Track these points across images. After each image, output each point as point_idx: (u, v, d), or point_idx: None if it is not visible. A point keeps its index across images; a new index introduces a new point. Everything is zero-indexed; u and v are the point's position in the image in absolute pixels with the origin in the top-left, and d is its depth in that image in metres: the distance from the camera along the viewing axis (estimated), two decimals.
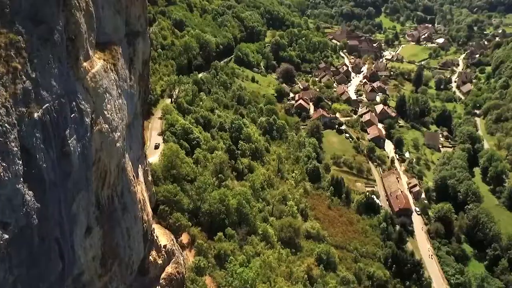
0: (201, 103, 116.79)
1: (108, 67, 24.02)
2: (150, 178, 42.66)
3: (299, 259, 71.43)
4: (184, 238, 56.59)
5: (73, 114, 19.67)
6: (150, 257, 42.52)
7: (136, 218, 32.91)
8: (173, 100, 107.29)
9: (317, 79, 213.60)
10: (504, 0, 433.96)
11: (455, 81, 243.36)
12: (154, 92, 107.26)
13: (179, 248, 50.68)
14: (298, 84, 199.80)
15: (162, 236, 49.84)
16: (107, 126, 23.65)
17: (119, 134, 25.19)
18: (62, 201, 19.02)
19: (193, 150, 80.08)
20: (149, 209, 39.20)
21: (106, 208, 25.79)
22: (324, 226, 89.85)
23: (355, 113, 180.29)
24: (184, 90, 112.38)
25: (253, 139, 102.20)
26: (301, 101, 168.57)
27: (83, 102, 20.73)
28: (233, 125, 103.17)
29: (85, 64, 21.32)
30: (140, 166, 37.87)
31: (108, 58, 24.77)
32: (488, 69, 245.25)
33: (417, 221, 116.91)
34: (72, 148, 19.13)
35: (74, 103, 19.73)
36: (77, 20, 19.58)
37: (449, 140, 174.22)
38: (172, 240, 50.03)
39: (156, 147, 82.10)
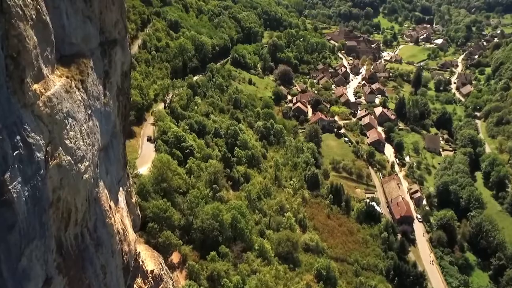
0: (196, 107, 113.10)
1: (73, 85, 19.78)
2: (134, 199, 38.52)
3: (298, 275, 67.85)
4: (175, 257, 52.87)
5: (17, 151, 15.50)
6: (135, 286, 38.73)
7: (114, 252, 28.61)
8: (166, 105, 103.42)
9: (315, 80, 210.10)
10: (502, 0, 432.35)
11: (454, 83, 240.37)
12: (147, 97, 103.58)
13: (168, 272, 46.70)
14: (296, 86, 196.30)
15: (150, 260, 45.90)
16: (69, 158, 19.43)
17: (87, 163, 20.97)
18: (2, 261, 14.93)
19: (186, 159, 76.26)
20: (132, 237, 35.06)
21: (73, 249, 21.56)
22: (323, 237, 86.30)
23: (354, 115, 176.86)
24: (178, 94, 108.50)
25: (250, 146, 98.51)
26: (299, 104, 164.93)
27: (32, 134, 16.49)
28: (228, 131, 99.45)
29: (35, 86, 17.14)
30: (121, 189, 33.71)
31: (74, 74, 20.55)
32: (488, 70, 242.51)
33: (419, 229, 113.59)
34: (15, 195, 15.00)
35: (18, 137, 15.53)
36: (20, 32, 15.39)
37: (450, 143, 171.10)
38: (161, 263, 45.88)
39: (149, 139, 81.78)
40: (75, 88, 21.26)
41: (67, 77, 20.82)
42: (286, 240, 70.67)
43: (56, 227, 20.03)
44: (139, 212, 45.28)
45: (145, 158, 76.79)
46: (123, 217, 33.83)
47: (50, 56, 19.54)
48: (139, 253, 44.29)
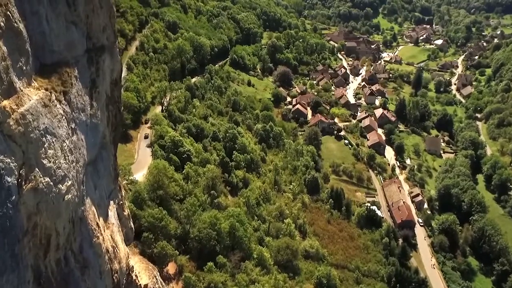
0: (194, 110, 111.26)
1: (54, 98, 18.10)
2: (126, 212, 36.82)
3: (298, 284, 66.12)
4: (171, 268, 51.08)
5: None
6: None
7: (103, 273, 26.77)
8: (163, 108, 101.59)
9: (314, 82, 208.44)
10: (502, 0, 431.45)
11: (454, 84, 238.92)
12: (144, 99, 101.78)
13: (163, 285, 44.98)
14: (295, 87, 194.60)
15: (144, 273, 44.13)
16: (47, 179, 17.73)
17: (69, 183, 19.27)
18: None
19: (184, 164, 74.44)
20: (124, 252, 33.31)
21: (54, 276, 19.76)
22: (323, 243, 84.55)
23: (354, 117, 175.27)
24: (176, 97, 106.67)
25: (249, 149, 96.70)
26: (298, 106, 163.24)
27: (0, 157, 14.72)
28: (227, 134, 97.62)
29: (5, 103, 15.46)
30: (112, 202, 31.97)
31: (56, 85, 18.89)
32: (488, 71, 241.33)
33: (420, 233, 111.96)
34: None
35: None
36: None
37: (451, 146, 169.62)
38: (155, 276, 44.17)
39: (146, 137, 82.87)
40: (56, 101, 19.40)
41: (46, 89, 18.96)
42: (286, 247, 68.92)
43: (33, 255, 18.12)
44: (132, 224, 43.44)
45: (141, 164, 74.99)
46: (113, 233, 31.91)
47: (25, 67, 17.67)
48: (132, 267, 42.23)
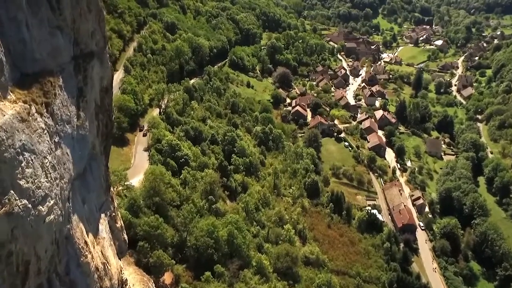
0: (192, 112, 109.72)
1: (33, 111, 16.54)
2: (119, 223, 35.24)
3: None
4: (167, 277, 49.56)
5: None
6: None
7: None
8: (161, 111, 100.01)
9: (314, 83, 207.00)
10: (501, 1, 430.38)
11: (455, 85, 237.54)
12: (141, 102, 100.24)
13: None
14: (295, 89, 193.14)
15: (138, 285, 42.68)
16: (24, 201, 16.16)
17: (52, 202, 17.76)
18: None
19: (181, 169, 72.90)
20: (116, 267, 31.76)
21: None
22: (323, 248, 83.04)
23: (354, 119, 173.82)
24: (174, 99, 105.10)
25: (248, 153, 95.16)
26: (298, 108, 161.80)
27: None
28: (226, 137, 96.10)
29: None
30: (103, 215, 30.39)
31: (36, 96, 17.35)
32: (489, 72, 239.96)
33: (421, 237, 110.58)
34: None
35: None
36: None
37: (452, 147, 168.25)
38: None
39: (144, 134, 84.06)
40: (36, 114, 17.71)
41: (25, 101, 17.25)
42: (285, 254, 67.38)
43: (9, 285, 16.61)
44: (125, 236, 41.85)
45: (138, 168, 73.46)
46: (104, 249, 30.26)
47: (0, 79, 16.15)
48: (126, 280, 40.50)
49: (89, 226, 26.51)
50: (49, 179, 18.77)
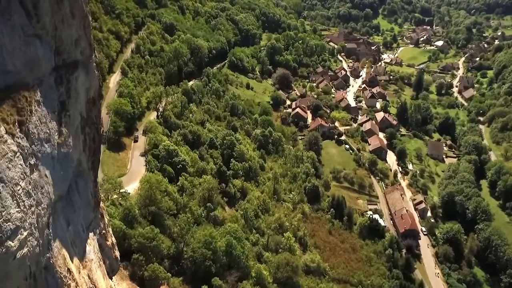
0: (190, 115, 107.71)
1: (3, 132, 14.45)
2: (110, 241, 33.21)
3: None
4: None
5: None
6: None
7: None
8: (159, 114, 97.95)
9: (314, 84, 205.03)
10: (502, 1, 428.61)
11: (456, 86, 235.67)
12: (138, 105, 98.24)
13: None
14: (295, 90, 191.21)
15: None
16: None
17: (26, 233, 15.84)
18: None
19: (178, 175, 70.85)
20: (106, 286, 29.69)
21: None
22: (325, 256, 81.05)
23: (355, 121, 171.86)
24: (172, 102, 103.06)
25: (247, 157, 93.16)
26: (298, 110, 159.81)
27: None
28: (224, 141, 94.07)
29: None
30: (91, 234, 28.33)
31: (7, 115, 15.38)
32: (490, 73, 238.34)
33: (424, 242, 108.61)
34: None
35: None
36: None
37: (453, 150, 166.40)
38: None
39: (136, 141, 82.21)
40: (6, 136, 15.47)
41: None
42: (286, 264, 65.36)
43: None
44: (117, 253, 39.62)
45: (134, 174, 71.42)
46: (91, 272, 28.03)
47: None
48: None
49: (74, 250, 24.43)
50: (22, 208, 16.67)
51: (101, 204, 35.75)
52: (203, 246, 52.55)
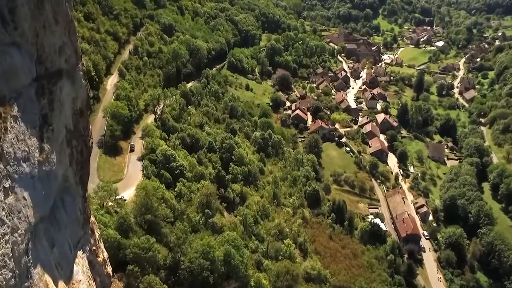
0: (189, 118, 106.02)
1: None
2: (101, 257, 31.32)
3: None
4: None
5: None
6: None
7: None
8: (156, 117, 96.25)
9: (314, 85, 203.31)
10: (502, 2, 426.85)
11: (457, 87, 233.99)
12: (136, 108, 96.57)
13: None
14: (295, 91, 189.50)
15: None
16: None
17: None
18: None
19: (176, 181, 69.18)
20: None
21: None
22: (325, 262, 79.44)
23: (355, 122, 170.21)
24: (170, 105, 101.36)
25: (246, 161, 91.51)
26: (298, 111, 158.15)
27: None
28: (223, 144, 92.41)
29: None
30: (80, 253, 26.31)
31: None
32: (491, 74, 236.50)
33: (426, 247, 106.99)
34: None
35: None
36: None
37: (454, 152, 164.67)
38: None
39: (132, 150, 78.50)
40: None
41: None
42: (286, 272, 63.79)
43: None
44: (108, 269, 37.76)
45: (131, 180, 69.77)
46: None
47: None
48: None
49: (59, 273, 22.61)
50: None
51: (92, 219, 33.94)
52: (200, 256, 50.96)
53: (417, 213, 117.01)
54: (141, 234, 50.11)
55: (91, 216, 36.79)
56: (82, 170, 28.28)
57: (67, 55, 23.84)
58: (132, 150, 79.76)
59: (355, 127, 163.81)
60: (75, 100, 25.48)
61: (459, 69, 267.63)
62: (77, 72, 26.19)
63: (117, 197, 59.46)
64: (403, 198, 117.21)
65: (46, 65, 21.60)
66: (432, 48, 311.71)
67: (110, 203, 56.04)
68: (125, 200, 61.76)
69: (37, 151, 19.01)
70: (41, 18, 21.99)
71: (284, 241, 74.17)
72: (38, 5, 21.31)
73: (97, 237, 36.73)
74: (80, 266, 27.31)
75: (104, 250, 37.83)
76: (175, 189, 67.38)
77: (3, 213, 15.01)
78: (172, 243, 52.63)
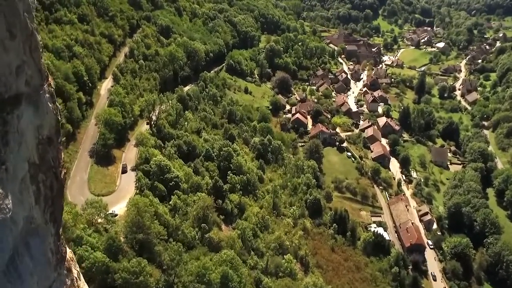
0: (186, 123, 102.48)
1: None
2: None
3: None
4: None
5: None
6: None
7: None
8: (152, 123, 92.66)
9: (314, 88, 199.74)
10: (503, 2, 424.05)
11: (459, 89, 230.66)
12: (130, 114, 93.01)
13: None
14: (294, 94, 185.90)
15: None
16: None
17: None
18: None
19: (171, 193, 65.65)
20: None
21: None
22: (327, 277, 76.03)
23: (357, 126, 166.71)
24: (166, 110, 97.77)
25: (245, 170, 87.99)
26: (298, 115, 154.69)
27: None
28: (221, 152, 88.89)
29: None
30: None
31: None
32: (493, 76, 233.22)
33: (430, 256, 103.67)
34: None
35: None
36: None
37: (458, 156, 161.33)
38: None
39: (124, 171, 72.41)
40: None
41: None
42: None
43: None
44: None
45: (123, 192, 66.35)
46: None
47: None
48: None
49: None
50: None
51: (69, 255, 30.25)
52: (195, 279, 47.56)
53: (420, 221, 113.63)
54: (132, 256, 46.72)
55: (69, 252, 31.80)
56: (53, 206, 23.92)
57: (28, 75, 19.54)
58: (124, 172, 73.04)
59: (356, 131, 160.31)
60: (40, 128, 21.17)
61: (460, 70, 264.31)
62: (42, 95, 21.83)
63: (108, 212, 55.98)
64: (406, 206, 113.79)
65: (1, 90, 17.24)
66: (433, 49, 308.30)
67: (99, 220, 52.63)
68: (116, 214, 58.28)
69: None
70: None
71: (284, 256, 70.75)
72: None
73: (76, 275, 32.14)
74: None
75: (86, 285, 33.19)
76: (170, 202, 63.96)
77: None
78: (166, 265, 49.23)
